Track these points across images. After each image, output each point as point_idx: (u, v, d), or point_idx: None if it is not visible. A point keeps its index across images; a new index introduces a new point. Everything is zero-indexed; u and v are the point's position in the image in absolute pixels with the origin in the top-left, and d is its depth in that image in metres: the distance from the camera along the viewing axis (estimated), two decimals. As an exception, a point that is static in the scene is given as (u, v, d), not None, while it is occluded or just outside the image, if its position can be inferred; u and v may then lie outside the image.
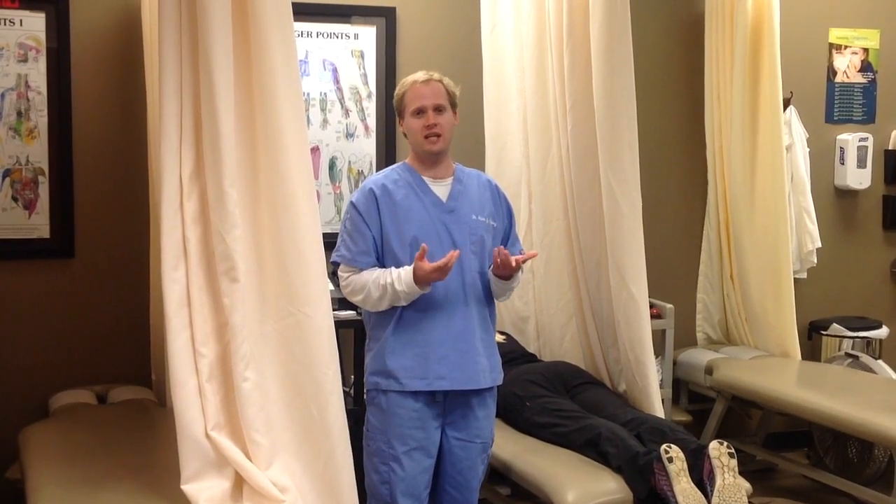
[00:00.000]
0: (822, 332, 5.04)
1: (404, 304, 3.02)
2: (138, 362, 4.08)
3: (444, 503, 3.16)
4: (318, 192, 4.34)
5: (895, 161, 5.33)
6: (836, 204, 5.30)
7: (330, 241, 3.03)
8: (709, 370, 4.61)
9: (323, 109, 4.44)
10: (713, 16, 4.81)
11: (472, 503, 3.17)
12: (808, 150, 5.07)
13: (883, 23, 5.33)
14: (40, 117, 4.03)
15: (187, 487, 2.60)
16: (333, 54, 4.44)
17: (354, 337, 3.92)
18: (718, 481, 3.08)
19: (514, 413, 3.67)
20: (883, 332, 5.03)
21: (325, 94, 4.44)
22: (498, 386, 3.21)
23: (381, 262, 3.08)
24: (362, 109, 4.50)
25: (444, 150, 3.11)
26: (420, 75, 3.11)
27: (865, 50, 5.32)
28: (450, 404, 3.10)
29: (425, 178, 3.13)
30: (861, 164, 5.22)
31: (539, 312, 4.21)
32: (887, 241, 5.41)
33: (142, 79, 3.90)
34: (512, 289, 3.19)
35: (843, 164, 5.23)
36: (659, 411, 3.68)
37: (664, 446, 3.14)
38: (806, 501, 4.56)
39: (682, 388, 4.85)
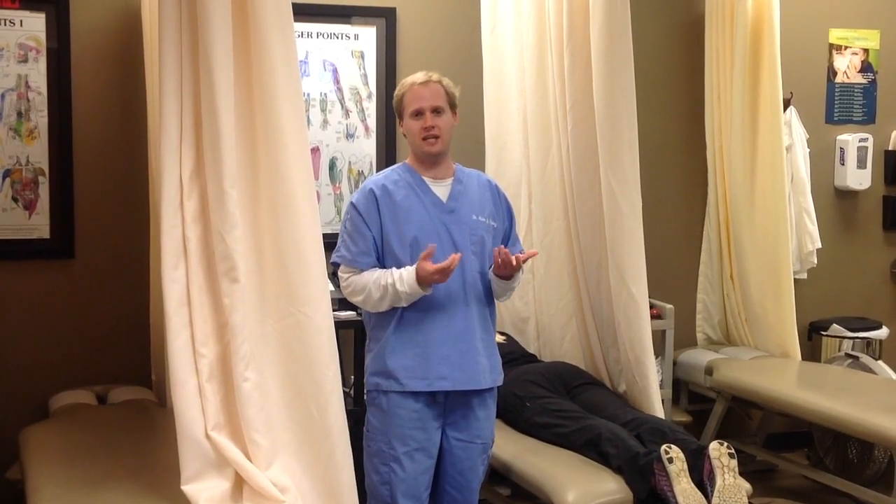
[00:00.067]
0: (823, 333, 5.04)
1: (405, 304, 3.02)
2: (138, 362, 4.08)
3: None
4: (318, 192, 4.34)
5: (895, 162, 5.33)
6: (836, 204, 5.30)
7: (330, 242, 3.02)
8: (709, 370, 4.61)
9: (323, 110, 4.44)
10: (713, 16, 4.81)
11: (472, 504, 3.18)
12: (808, 150, 5.07)
13: (883, 23, 5.33)
14: (40, 118, 4.03)
15: (187, 488, 2.60)
16: (333, 55, 4.44)
17: (354, 337, 3.92)
18: (718, 482, 3.08)
19: (515, 413, 3.67)
20: (883, 332, 5.03)
21: (325, 94, 4.43)
22: (498, 386, 3.21)
23: (382, 263, 3.07)
24: (362, 110, 4.50)
25: (442, 151, 3.10)
26: (419, 76, 3.10)
27: (865, 50, 5.32)
28: (450, 405, 3.10)
29: (425, 179, 3.12)
30: (861, 164, 5.22)
31: (539, 313, 4.21)
32: (887, 241, 5.41)
33: (142, 79, 3.89)
34: (513, 289, 3.19)
35: (843, 164, 5.23)
36: (659, 412, 3.68)
37: (664, 447, 3.14)
38: (806, 502, 4.55)
39: (682, 389, 4.85)
